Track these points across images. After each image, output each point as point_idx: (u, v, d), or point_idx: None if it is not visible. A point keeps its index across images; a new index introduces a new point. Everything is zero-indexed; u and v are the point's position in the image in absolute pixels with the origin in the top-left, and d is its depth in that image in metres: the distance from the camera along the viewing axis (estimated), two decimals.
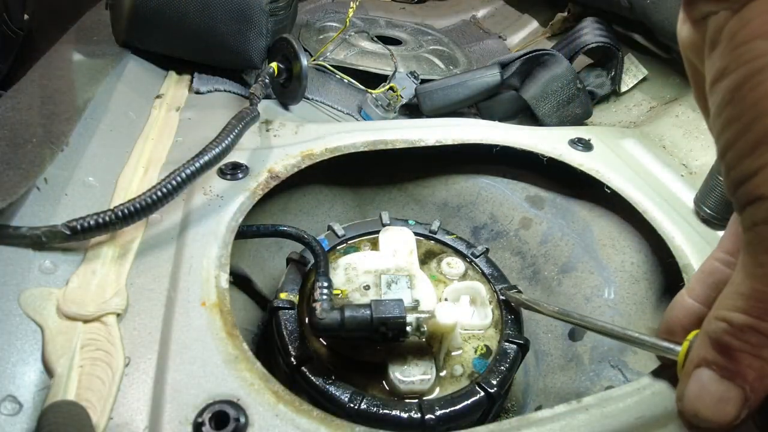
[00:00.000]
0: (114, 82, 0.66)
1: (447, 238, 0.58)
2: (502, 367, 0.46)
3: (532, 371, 0.60)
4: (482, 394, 0.43)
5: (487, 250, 0.57)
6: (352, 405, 0.41)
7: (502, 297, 0.52)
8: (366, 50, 1.02)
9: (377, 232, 0.56)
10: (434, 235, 0.58)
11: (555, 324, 0.62)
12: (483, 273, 0.55)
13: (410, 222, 0.59)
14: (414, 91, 0.90)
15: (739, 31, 0.25)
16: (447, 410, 0.41)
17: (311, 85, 0.89)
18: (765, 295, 0.26)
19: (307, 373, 0.43)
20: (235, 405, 0.35)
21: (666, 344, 0.37)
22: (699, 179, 0.61)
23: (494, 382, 0.44)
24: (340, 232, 0.56)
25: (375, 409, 0.41)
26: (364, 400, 0.41)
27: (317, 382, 0.42)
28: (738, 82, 0.25)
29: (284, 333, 0.46)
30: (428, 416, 0.41)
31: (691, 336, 0.37)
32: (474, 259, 0.56)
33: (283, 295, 0.49)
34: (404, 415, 0.41)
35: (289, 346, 0.45)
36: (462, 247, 0.57)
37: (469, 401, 0.43)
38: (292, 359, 0.44)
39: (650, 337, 0.38)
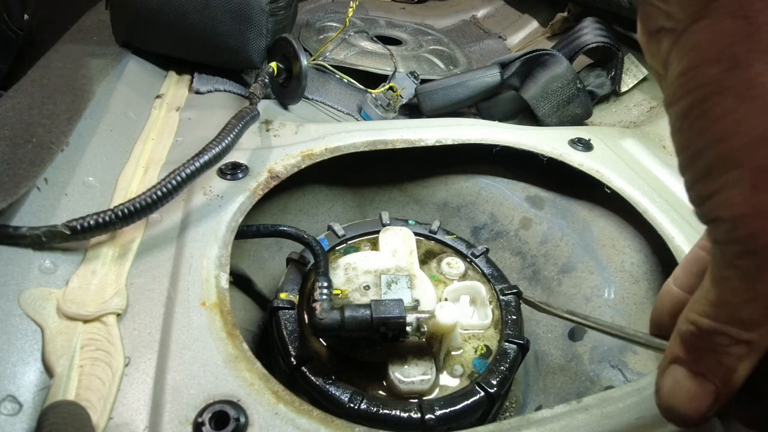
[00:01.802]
0: (114, 82, 0.66)
1: (447, 238, 0.58)
2: (502, 367, 0.46)
3: (532, 371, 0.60)
4: (482, 394, 0.43)
5: (487, 250, 0.57)
6: (352, 405, 0.41)
7: (502, 298, 0.52)
8: (366, 50, 1.02)
9: (377, 232, 0.56)
10: (434, 235, 0.58)
11: (555, 324, 0.62)
12: (483, 273, 0.55)
13: (410, 222, 0.59)
14: (414, 91, 0.90)
15: (684, 55, 0.25)
16: (447, 410, 0.41)
17: (311, 85, 0.89)
18: (730, 305, 0.27)
19: (307, 373, 0.43)
20: (235, 405, 0.35)
21: (657, 341, 0.38)
22: None
23: (494, 382, 0.44)
24: (340, 232, 0.56)
25: (375, 409, 0.41)
26: (364, 400, 0.41)
27: (317, 382, 0.42)
28: (685, 111, 0.25)
29: (284, 333, 0.46)
30: (428, 416, 0.41)
31: None
32: (474, 259, 0.56)
33: (283, 295, 0.49)
34: (404, 415, 0.41)
35: (289, 346, 0.45)
36: (462, 247, 0.57)
37: (469, 401, 0.43)
38: (292, 359, 0.44)
39: (644, 334, 0.39)
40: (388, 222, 0.58)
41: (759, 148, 0.24)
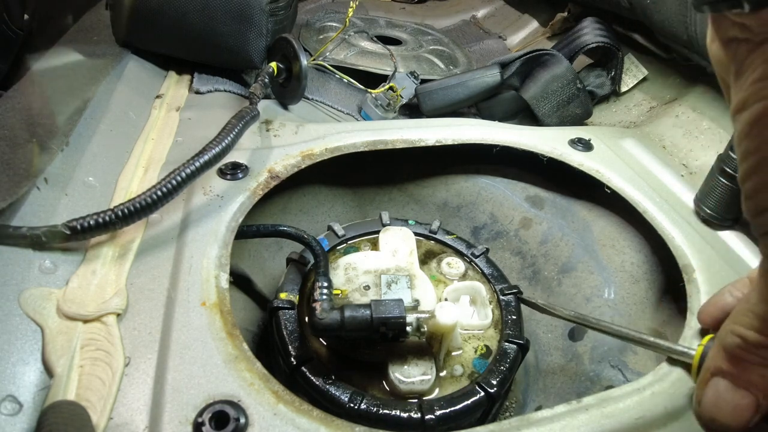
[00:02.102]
0: (114, 82, 0.66)
1: (447, 238, 0.58)
2: (502, 367, 0.46)
3: (532, 371, 0.60)
4: (482, 394, 0.43)
5: (487, 250, 0.57)
6: (352, 405, 0.41)
7: (502, 298, 0.52)
8: (366, 50, 1.02)
9: (377, 232, 0.56)
10: (434, 235, 0.58)
11: (555, 324, 0.62)
12: (483, 273, 0.55)
13: (410, 222, 0.59)
14: (414, 91, 0.90)
15: (761, 64, 0.25)
16: (447, 410, 0.41)
17: (311, 85, 0.89)
18: None
19: (307, 373, 0.43)
20: (235, 405, 0.35)
21: (681, 348, 0.38)
22: (699, 179, 0.61)
23: (494, 382, 0.44)
24: (340, 232, 0.56)
25: (375, 409, 0.41)
26: (364, 400, 0.41)
27: (317, 382, 0.42)
28: (756, 117, 0.25)
29: (284, 333, 0.46)
30: (428, 416, 0.41)
31: (705, 341, 0.38)
32: (474, 259, 0.56)
33: (283, 295, 0.49)
34: (404, 415, 0.41)
35: (289, 346, 0.45)
36: (462, 247, 0.57)
37: (469, 401, 0.43)
38: (292, 359, 0.44)
39: (665, 341, 0.39)
40: (388, 222, 0.58)
41: None
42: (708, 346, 0.38)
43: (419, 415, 0.41)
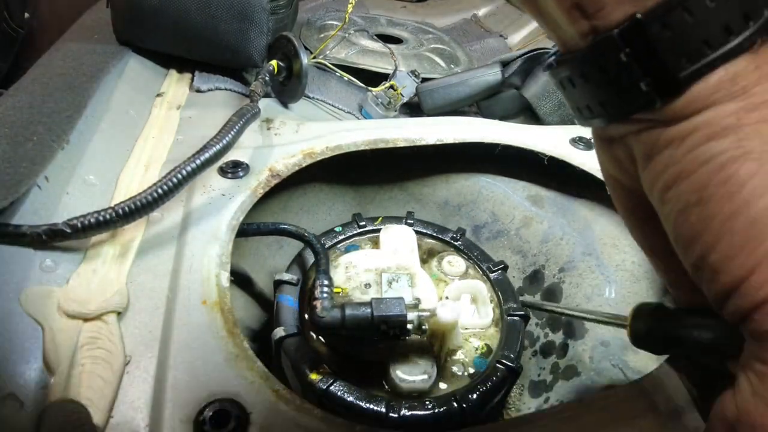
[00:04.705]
0: (114, 80, 0.66)
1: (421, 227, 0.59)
2: (515, 343, 0.48)
3: (533, 371, 0.60)
4: (503, 368, 0.45)
5: (464, 231, 0.59)
6: (392, 414, 0.41)
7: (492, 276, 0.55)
8: (366, 49, 1.02)
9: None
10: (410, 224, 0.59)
11: (556, 324, 0.62)
12: (464, 252, 0.57)
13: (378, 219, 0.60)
14: (415, 89, 0.90)
15: (688, 137, 0.25)
16: (478, 394, 0.43)
17: (312, 83, 0.89)
18: None
19: (338, 392, 0.42)
20: (236, 403, 0.35)
21: (613, 315, 0.40)
22: None
23: (512, 356, 0.46)
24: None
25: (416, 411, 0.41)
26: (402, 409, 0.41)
27: (351, 399, 0.41)
28: (705, 181, 0.25)
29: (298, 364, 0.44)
30: (465, 405, 0.42)
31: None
32: (454, 242, 0.58)
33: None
34: (443, 409, 0.42)
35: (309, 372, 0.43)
36: (439, 233, 0.59)
37: (495, 379, 0.45)
38: (320, 384, 0.42)
39: (598, 312, 0.41)
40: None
41: None
42: (638, 308, 0.37)
43: (456, 405, 0.42)
